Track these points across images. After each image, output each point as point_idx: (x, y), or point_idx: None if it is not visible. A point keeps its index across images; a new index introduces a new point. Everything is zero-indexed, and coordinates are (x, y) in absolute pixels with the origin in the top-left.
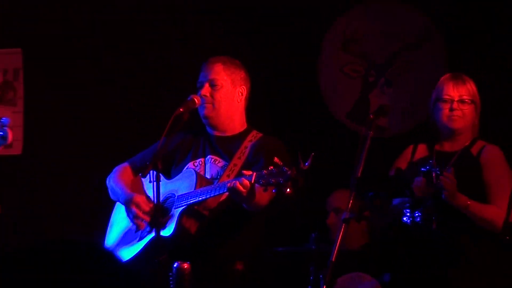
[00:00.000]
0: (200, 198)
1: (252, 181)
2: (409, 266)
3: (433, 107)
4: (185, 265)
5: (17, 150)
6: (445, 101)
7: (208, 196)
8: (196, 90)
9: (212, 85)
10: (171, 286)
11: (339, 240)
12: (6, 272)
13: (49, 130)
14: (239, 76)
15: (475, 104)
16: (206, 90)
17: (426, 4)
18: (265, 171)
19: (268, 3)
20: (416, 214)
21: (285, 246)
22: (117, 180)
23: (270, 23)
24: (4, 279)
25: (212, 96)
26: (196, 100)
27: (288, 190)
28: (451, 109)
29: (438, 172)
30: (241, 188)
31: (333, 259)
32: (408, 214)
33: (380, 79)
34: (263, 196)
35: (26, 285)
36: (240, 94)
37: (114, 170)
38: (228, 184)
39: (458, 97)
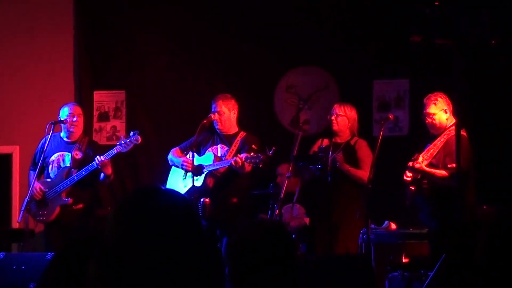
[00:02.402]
0: (215, 167)
1: (243, 160)
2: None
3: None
4: (207, 200)
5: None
6: (330, 115)
7: (219, 166)
8: (211, 112)
9: (219, 113)
10: (200, 212)
11: (285, 186)
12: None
13: (139, 133)
14: (231, 104)
15: (347, 117)
16: (215, 116)
17: (327, 65)
18: (249, 155)
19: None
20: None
21: (258, 190)
22: (174, 154)
23: (245, 73)
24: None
25: (219, 119)
26: (212, 117)
27: (260, 165)
28: (331, 120)
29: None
30: (238, 162)
31: (282, 196)
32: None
33: (305, 106)
34: (247, 167)
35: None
36: (233, 114)
37: (171, 150)
38: (232, 162)
39: (335, 113)
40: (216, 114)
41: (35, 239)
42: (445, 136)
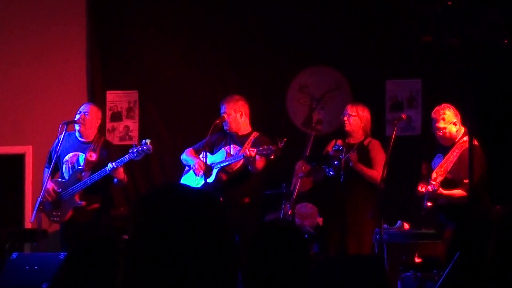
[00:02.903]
0: (228, 163)
1: (255, 152)
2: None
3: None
4: (220, 199)
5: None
6: (343, 115)
7: (232, 161)
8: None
9: (225, 115)
10: None
11: (297, 187)
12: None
13: (152, 133)
14: (238, 106)
15: (359, 117)
16: (223, 119)
17: (340, 65)
18: (260, 148)
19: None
20: (331, 171)
21: (270, 190)
22: (188, 154)
23: (260, 73)
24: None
25: (226, 120)
26: (223, 118)
27: (272, 157)
28: (344, 120)
29: (343, 154)
30: (250, 154)
31: (294, 196)
32: (327, 171)
33: (318, 106)
34: (259, 162)
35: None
36: (239, 115)
37: (185, 150)
38: (244, 153)
39: (348, 114)
40: (223, 116)
41: (48, 239)
42: (457, 150)
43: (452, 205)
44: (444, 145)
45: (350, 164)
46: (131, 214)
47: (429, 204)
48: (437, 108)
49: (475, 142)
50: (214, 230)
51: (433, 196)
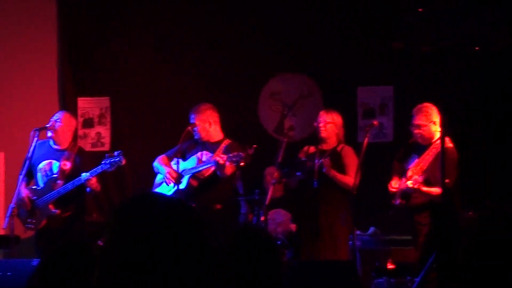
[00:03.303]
0: (199, 169)
1: (225, 159)
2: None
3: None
4: (193, 205)
5: (123, 162)
6: (318, 122)
7: (203, 168)
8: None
9: (194, 124)
10: None
11: (270, 193)
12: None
13: (124, 140)
14: (205, 116)
15: (335, 124)
16: (194, 125)
17: (311, 72)
18: (230, 154)
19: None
20: (299, 177)
21: (242, 196)
22: (159, 162)
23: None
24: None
25: (196, 130)
26: (194, 125)
27: (242, 163)
28: (319, 126)
29: (316, 161)
30: (220, 161)
31: (267, 203)
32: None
33: (289, 112)
34: (228, 168)
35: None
36: (209, 125)
37: (157, 157)
38: (216, 159)
39: (323, 121)
40: (195, 123)
41: (20, 246)
42: (434, 150)
43: (424, 207)
44: (420, 145)
45: (323, 170)
46: (107, 223)
47: (401, 201)
48: (420, 105)
49: (451, 145)
50: (188, 237)
51: (411, 191)
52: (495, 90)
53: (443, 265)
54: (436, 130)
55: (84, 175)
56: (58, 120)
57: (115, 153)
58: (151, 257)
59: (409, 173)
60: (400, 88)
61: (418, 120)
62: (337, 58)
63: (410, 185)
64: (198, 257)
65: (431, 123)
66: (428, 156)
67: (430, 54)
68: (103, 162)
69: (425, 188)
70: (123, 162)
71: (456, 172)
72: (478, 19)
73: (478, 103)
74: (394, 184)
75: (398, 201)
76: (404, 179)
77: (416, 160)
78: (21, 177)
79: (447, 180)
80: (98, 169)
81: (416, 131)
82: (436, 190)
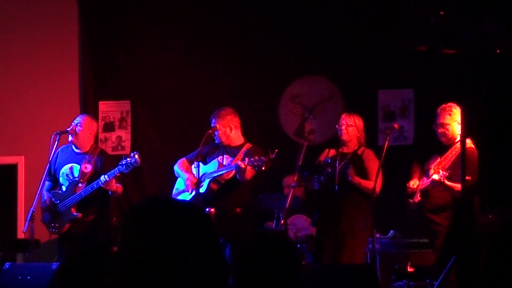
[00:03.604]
0: (219, 173)
1: (246, 163)
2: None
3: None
4: (212, 210)
5: (139, 162)
6: (339, 125)
7: (223, 172)
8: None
9: (215, 128)
10: None
11: (290, 197)
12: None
13: (144, 143)
14: (226, 120)
15: (356, 127)
16: (215, 129)
17: (332, 75)
18: (252, 159)
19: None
20: (321, 178)
21: (264, 201)
22: (179, 166)
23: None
24: None
25: (217, 134)
26: (215, 128)
27: (263, 168)
28: (341, 129)
29: (331, 162)
30: (242, 166)
31: (287, 206)
32: (316, 181)
33: (310, 115)
34: (249, 173)
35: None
36: (230, 129)
37: (177, 161)
38: (237, 163)
39: (345, 124)
40: (216, 126)
41: (40, 249)
42: (456, 149)
43: (443, 208)
44: (443, 145)
45: (348, 179)
46: (120, 226)
47: (421, 199)
48: (444, 105)
49: (473, 146)
50: (201, 242)
51: (435, 185)
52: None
53: (462, 268)
54: (459, 130)
55: (103, 177)
56: (79, 124)
57: (131, 154)
58: (162, 259)
59: (431, 171)
60: (420, 90)
61: (442, 119)
62: (358, 61)
63: (436, 178)
64: (209, 260)
65: (455, 122)
66: (451, 155)
67: (451, 57)
68: (119, 163)
69: (448, 182)
70: (139, 163)
71: (477, 174)
72: (499, 21)
73: (499, 106)
74: (413, 184)
75: (417, 199)
76: (425, 178)
77: (439, 160)
78: (42, 181)
79: (468, 177)
80: (115, 171)
81: (440, 130)
82: (459, 186)
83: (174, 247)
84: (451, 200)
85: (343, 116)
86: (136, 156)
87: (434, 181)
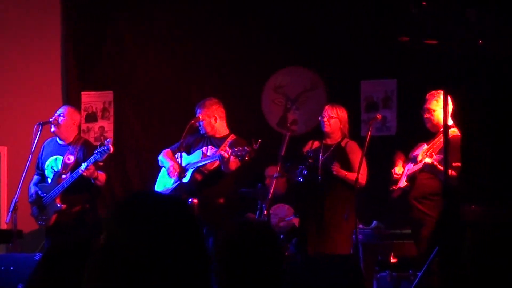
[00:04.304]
0: (203, 163)
1: (230, 153)
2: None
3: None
4: (195, 200)
5: (111, 149)
6: (322, 116)
7: (207, 162)
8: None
9: (197, 119)
10: None
11: (272, 187)
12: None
13: (127, 134)
14: (211, 110)
15: (339, 118)
16: (198, 119)
17: (315, 66)
18: (235, 149)
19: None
20: (304, 172)
21: (245, 189)
22: (164, 156)
23: (234, 74)
24: None
25: (201, 124)
26: (198, 118)
27: (246, 158)
28: (324, 121)
29: (312, 155)
30: (225, 155)
31: (270, 196)
32: (299, 173)
33: (293, 106)
34: (233, 163)
35: None
36: (214, 120)
37: (162, 151)
38: (221, 153)
39: (327, 115)
40: (198, 116)
41: (23, 240)
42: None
43: (430, 195)
44: (429, 132)
45: (333, 173)
46: (105, 220)
47: (407, 184)
48: (434, 91)
49: (459, 135)
50: (184, 234)
51: (428, 169)
52: (500, 83)
53: (445, 259)
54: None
55: (83, 165)
56: (61, 115)
57: (105, 141)
58: (145, 254)
59: (419, 157)
60: (403, 81)
61: (429, 104)
62: (341, 51)
63: (429, 161)
64: (194, 255)
65: (441, 109)
66: (439, 142)
67: (434, 47)
68: (95, 152)
69: (440, 167)
70: (111, 150)
71: (460, 160)
72: (482, 12)
73: (482, 97)
74: (398, 170)
75: (403, 184)
76: (411, 164)
77: (426, 147)
78: (24, 172)
79: (458, 164)
80: (91, 159)
81: (426, 115)
82: (451, 172)
83: (158, 241)
84: (439, 188)
85: (326, 107)
86: (109, 145)
87: (426, 164)
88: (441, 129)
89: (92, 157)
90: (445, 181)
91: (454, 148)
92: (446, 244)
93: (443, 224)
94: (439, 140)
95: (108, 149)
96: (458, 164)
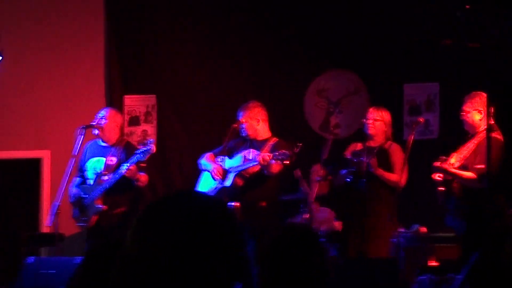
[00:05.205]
0: (244, 167)
1: (270, 157)
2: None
3: None
4: (237, 204)
5: (153, 149)
6: (367, 119)
7: (248, 166)
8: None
9: (240, 122)
10: None
11: (314, 190)
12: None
13: (170, 138)
14: (253, 113)
15: (384, 121)
16: (240, 122)
17: (358, 69)
18: (276, 153)
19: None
20: (350, 171)
21: (287, 195)
22: (206, 159)
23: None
24: None
25: (244, 127)
26: (240, 122)
27: (287, 162)
28: (368, 123)
29: (363, 158)
30: (265, 158)
31: (312, 200)
32: (347, 176)
33: (335, 109)
34: (274, 166)
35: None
36: (256, 122)
37: (203, 155)
38: (259, 159)
39: (372, 118)
40: (241, 119)
41: (64, 243)
42: (478, 138)
43: (466, 195)
44: (468, 134)
45: (370, 170)
46: (134, 222)
47: (441, 189)
48: (473, 92)
49: (499, 137)
50: (221, 239)
51: (442, 172)
52: None
53: (486, 264)
54: (481, 119)
55: (124, 166)
56: (103, 117)
57: (147, 142)
58: (177, 256)
59: (451, 160)
60: (446, 84)
61: (464, 105)
62: (384, 54)
63: (442, 166)
64: (231, 258)
65: (475, 110)
66: (472, 145)
67: (477, 50)
68: (136, 152)
69: (453, 170)
70: (153, 150)
71: (499, 162)
72: None
73: None
74: (438, 176)
75: (439, 189)
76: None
77: (461, 148)
78: (66, 175)
79: (482, 166)
80: (134, 159)
81: (462, 116)
82: (468, 174)
83: (195, 243)
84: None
85: (371, 110)
86: (152, 144)
87: (435, 167)
88: (479, 131)
89: (134, 157)
90: (479, 182)
91: (482, 150)
92: (485, 248)
93: (480, 228)
94: (473, 142)
95: (151, 149)
96: (482, 166)
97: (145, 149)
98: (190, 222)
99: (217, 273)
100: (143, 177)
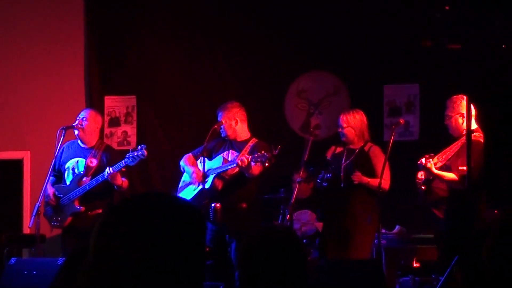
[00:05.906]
0: (223, 169)
1: (249, 159)
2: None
3: None
4: (218, 205)
5: (145, 155)
6: (338, 126)
7: (227, 168)
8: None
9: (220, 123)
10: (211, 216)
11: (295, 192)
12: None
13: (150, 138)
14: (232, 113)
15: (351, 127)
16: (221, 123)
17: (338, 70)
18: (255, 155)
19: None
20: (326, 177)
21: (268, 195)
22: (185, 161)
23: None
24: None
25: (223, 127)
26: (221, 123)
27: (266, 164)
28: (339, 132)
29: (334, 161)
30: (243, 161)
31: (292, 201)
32: (321, 179)
33: (316, 111)
34: (255, 168)
35: None
36: (234, 122)
37: (184, 156)
38: (238, 161)
39: (341, 125)
40: (221, 121)
41: (46, 244)
42: (462, 141)
43: (442, 202)
44: (451, 138)
45: (355, 182)
46: (96, 226)
47: (423, 187)
48: (453, 96)
49: (480, 140)
50: (182, 242)
51: (425, 170)
52: None
53: (466, 265)
54: (463, 123)
55: (108, 170)
56: (84, 118)
57: (139, 147)
58: (138, 259)
59: (435, 159)
60: (426, 86)
61: (447, 110)
62: (364, 56)
63: (423, 162)
64: (194, 259)
65: (458, 115)
66: (456, 146)
67: (457, 52)
68: (126, 156)
69: (436, 171)
70: (145, 155)
71: (480, 165)
72: (505, 16)
73: (506, 101)
74: (421, 175)
75: (421, 189)
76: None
77: (445, 150)
78: (47, 176)
79: (464, 167)
80: (121, 163)
81: (446, 121)
82: (450, 175)
83: (155, 247)
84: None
85: (340, 117)
86: (143, 149)
87: (420, 165)
88: (461, 134)
89: (123, 161)
90: (460, 184)
91: (465, 152)
92: (465, 249)
93: (460, 228)
94: (456, 144)
95: (143, 154)
96: (465, 168)
97: (136, 154)
98: (152, 224)
99: (177, 276)
100: (124, 183)
